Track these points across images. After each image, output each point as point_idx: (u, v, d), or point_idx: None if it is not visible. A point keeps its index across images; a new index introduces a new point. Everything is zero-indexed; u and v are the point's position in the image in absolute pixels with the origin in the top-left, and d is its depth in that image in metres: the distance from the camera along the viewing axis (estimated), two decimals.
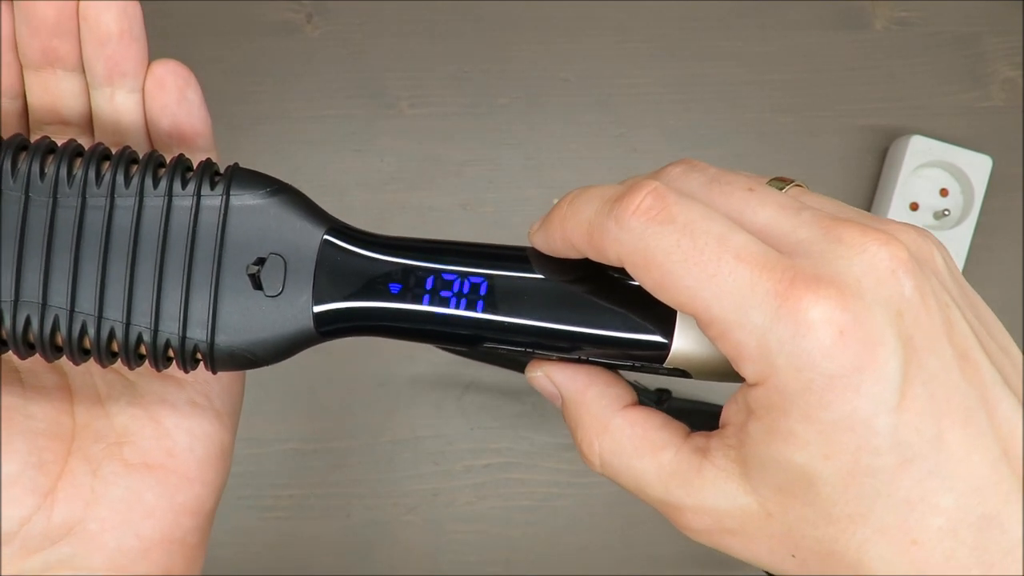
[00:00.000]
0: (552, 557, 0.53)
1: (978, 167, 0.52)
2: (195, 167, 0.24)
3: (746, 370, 0.20)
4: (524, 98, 0.54)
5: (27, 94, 0.26)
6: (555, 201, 0.23)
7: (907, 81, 0.55)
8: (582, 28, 0.55)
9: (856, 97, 0.55)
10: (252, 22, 0.54)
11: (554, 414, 0.51)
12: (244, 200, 0.24)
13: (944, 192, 0.53)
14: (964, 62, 0.55)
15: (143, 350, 0.24)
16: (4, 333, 0.23)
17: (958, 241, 0.52)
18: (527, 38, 0.54)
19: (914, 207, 0.53)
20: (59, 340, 0.24)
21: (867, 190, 0.55)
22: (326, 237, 0.24)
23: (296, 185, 0.25)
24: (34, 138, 0.24)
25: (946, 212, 0.52)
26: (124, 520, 0.26)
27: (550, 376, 0.25)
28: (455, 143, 0.54)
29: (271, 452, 0.52)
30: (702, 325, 0.20)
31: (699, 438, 0.22)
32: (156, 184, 0.24)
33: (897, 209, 0.52)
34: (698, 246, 0.20)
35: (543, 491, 0.53)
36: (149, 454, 0.27)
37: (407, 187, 0.53)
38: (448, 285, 0.24)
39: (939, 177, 0.53)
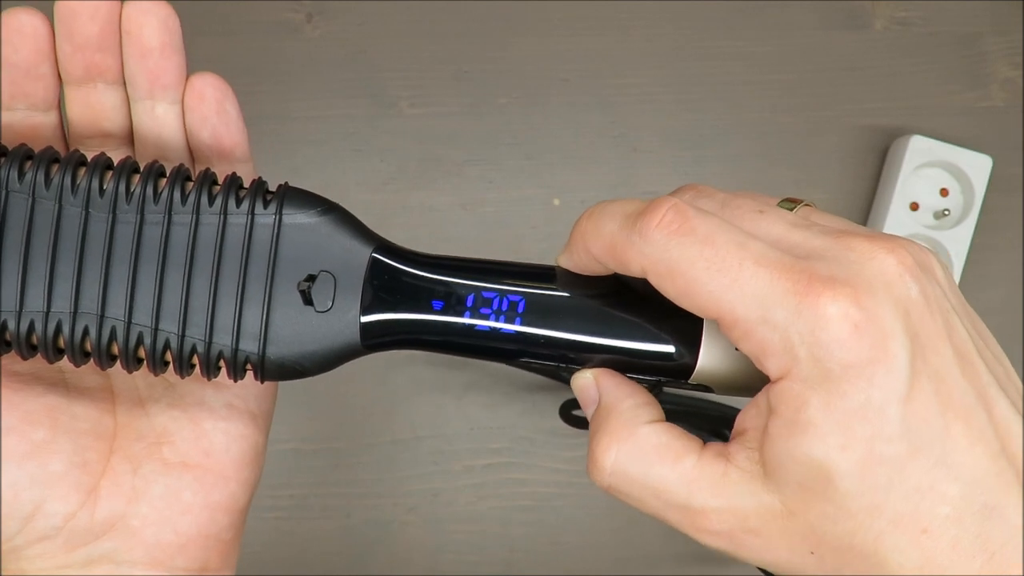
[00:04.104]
0: (552, 557, 0.53)
1: (978, 167, 0.52)
2: (248, 186, 0.25)
3: (770, 365, 0.21)
4: (524, 98, 0.54)
5: (67, 109, 0.27)
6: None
7: (907, 81, 0.55)
8: (582, 28, 0.55)
9: (856, 97, 0.55)
10: (252, 22, 0.54)
11: (554, 414, 0.51)
12: (296, 219, 0.25)
13: (944, 192, 0.53)
14: (964, 62, 0.55)
15: (195, 360, 0.25)
16: (63, 343, 0.24)
17: (958, 241, 0.52)
18: (527, 37, 0.54)
19: (914, 207, 0.53)
20: (115, 350, 0.24)
21: (867, 190, 0.55)
22: (374, 255, 0.25)
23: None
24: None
25: (946, 212, 0.52)
26: (163, 516, 0.27)
27: (598, 380, 0.25)
28: (455, 143, 0.54)
29: (271, 452, 0.52)
30: (726, 327, 0.21)
31: (717, 446, 0.23)
32: (211, 202, 0.24)
33: (897, 209, 0.52)
34: (720, 254, 0.21)
35: (543, 491, 0.53)
36: (187, 454, 0.28)
37: (407, 187, 0.53)
38: (488, 303, 0.25)
39: (939, 177, 0.53)
